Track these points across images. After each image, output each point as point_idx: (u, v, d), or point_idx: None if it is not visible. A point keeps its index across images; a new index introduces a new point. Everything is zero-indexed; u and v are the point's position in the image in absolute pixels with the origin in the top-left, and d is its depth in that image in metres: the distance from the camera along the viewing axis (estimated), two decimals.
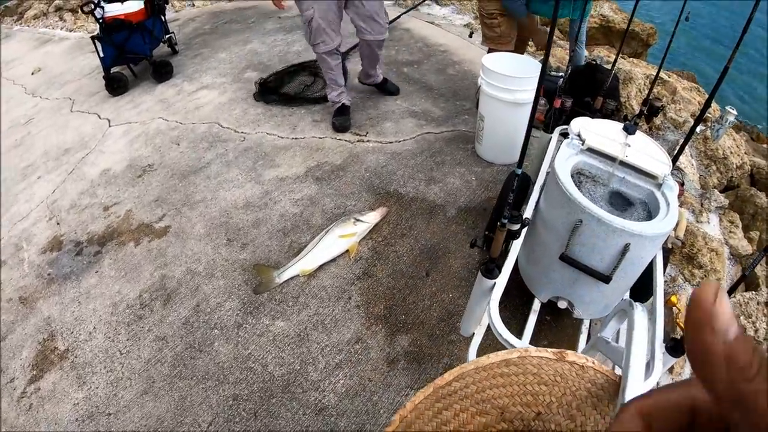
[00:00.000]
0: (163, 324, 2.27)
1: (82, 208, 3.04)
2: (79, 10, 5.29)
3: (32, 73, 5.12)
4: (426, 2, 5.67)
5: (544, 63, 1.48)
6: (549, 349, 0.91)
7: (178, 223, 2.77)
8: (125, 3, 4.01)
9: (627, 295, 1.83)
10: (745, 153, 3.72)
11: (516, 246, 1.71)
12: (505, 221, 1.48)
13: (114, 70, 4.20)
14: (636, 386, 0.83)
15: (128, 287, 2.48)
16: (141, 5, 4.11)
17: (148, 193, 3.02)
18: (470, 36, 4.67)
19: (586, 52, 3.48)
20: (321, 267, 2.39)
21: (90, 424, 1.97)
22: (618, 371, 0.94)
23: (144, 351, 2.18)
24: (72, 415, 2.01)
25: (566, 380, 0.89)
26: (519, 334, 1.57)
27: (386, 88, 3.76)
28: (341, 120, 3.38)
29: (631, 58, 4.88)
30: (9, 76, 5.32)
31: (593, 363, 0.90)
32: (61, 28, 6.34)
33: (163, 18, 4.47)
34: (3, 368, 2.29)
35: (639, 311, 1.02)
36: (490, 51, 3.28)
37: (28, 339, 2.37)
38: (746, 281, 2.72)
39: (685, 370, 2.19)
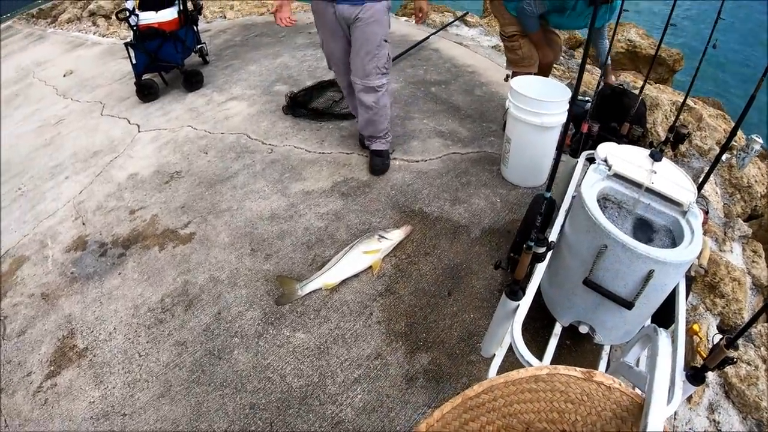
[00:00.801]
0: (183, 329, 2.28)
1: (108, 210, 3.08)
2: (114, 17, 5.43)
3: (64, 75, 5.24)
4: (455, 23, 5.74)
5: (576, 88, 1.49)
6: (577, 368, 0.90)
7: (203, 230, 2.80)
8: (159, 12, 4.10)
9: (648, 322, 1.82)
10: None
11: (540, 269, 1.71)
12: (532, 244, 1.48)
13: (145, 77, 4.29)
14: (659, 411, 0.83)
15: (150, 291, 2.49)
16: (175, 15, 4.20)
17: (175, 200, 3.06)
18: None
19: (613, 77, 3.49)
20: (344, 282, 2.39)
21: (104, 423, 1.97)
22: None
23: (163, 354, 2.19)
24: (87, 413, 2.02)
25: (592, 400, 0.89)
26: (539, 357, 1.55)
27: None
28: (377, 162, 3.14)
29: (657, 84, 4.87)
30: (41, 77, 5.45)
31: (620, 384, 0.89)
32: (94, 33, 6.50)
33: (195, 28, 4.57)
34: (20, 362, 2.30)
35: (663, 337, 1.02)
36: (514, 74, 3.31)
37: (47, 335, 2.40)
38: None
39: (704, 399, 2.15)
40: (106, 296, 2.52)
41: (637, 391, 1.08)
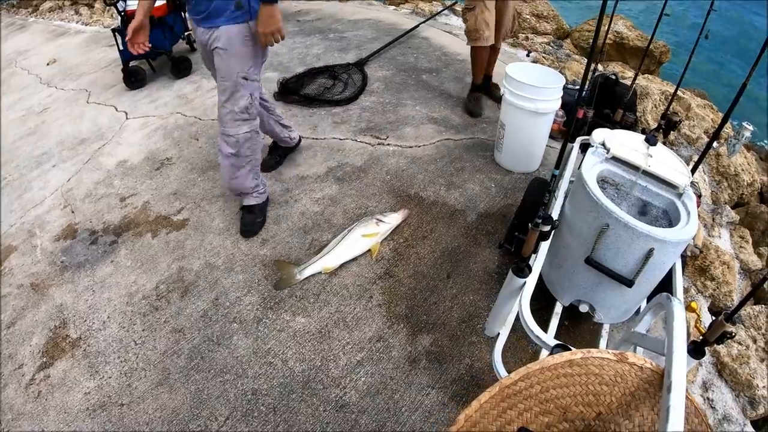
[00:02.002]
0: (180, 316, 2.24)
1: (97, 198, 3.02)
2: (102, 3, 5.31)
3: (47, 64, 5.12)
4: (444, 12, 5.72)
5: (585, 74, 1.49)
6: (610, 351, 0.91)
7: (197, 216, 2.75)
8: None
9: (645, 302, 1.85)
10: (756, 171, 3.75)
11: (545, 247, 1.73)
12: (539, 221, 1.49)
13: (133, 63, 4.21)
14: (682, 367, 0.84)
15: (145, 278, 2.45)
16: (163, 1, 4.12)
17: (167, 186, 3.00)
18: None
19: (600, 67, 3.51)
20: (342, 266, 2.37)
21: (101, 414, 1.93)
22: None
23: (160, 342, 2.15)
24: (83, 404, 1.98)
25: (626, 381, 0.89)
26: None
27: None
28: (246, 221, 2.63)
29: (645, 75, 4.92)
30: (24, 66, 5.32)
31: (651, 364, 0.90)
32: (77, 22, 6.37)
33: (183, 15, 4.49)
34: (11, 354, 2.25)
35: (677, 303, 1.05)
36: (474, 50, 3.41)
37: (38, 325, 2.34)
38: (756, 295, 2.75)
39: (698, 378, 2.19)
40: (98, 285, 2.47)
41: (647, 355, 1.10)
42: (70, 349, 2.20)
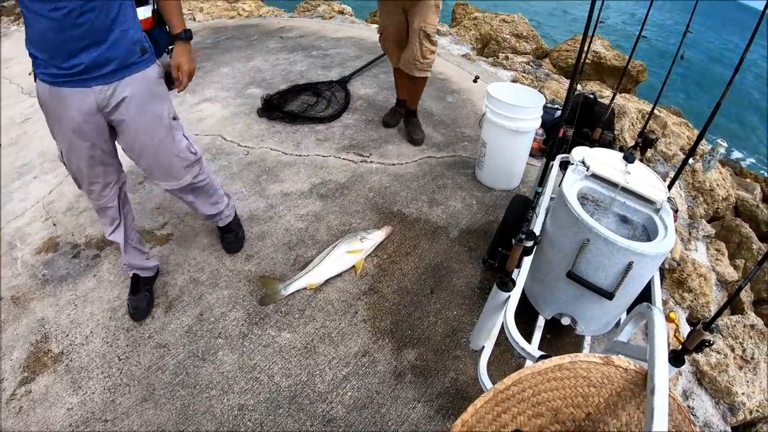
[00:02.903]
0: (164, 331, 2.24)
1: (79, 211, 3.00)
2: None
3: (29, 74, 5.05)
4: None
5: (568, 95, 1.56)
6: (597, 354, 0.97)
7: (181, 231, 2.76)
8: None
9: (625, 314, 1.92)
10: (731, 186, 3.90)
11: (528, 262, 1.79)
12: (523, 237, 1.55)
13: None
14: (664, 371, 0.90)
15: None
16: (148, 14, 4.11)
17: (150, 200, 3.00)
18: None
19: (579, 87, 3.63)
20: (327, 281, 2.40)
21: (85, 431, 1.91)
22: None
23: (144, 357, 2.14)
24: (65, 420, 1.95)
25: (612, 382, 0.95)
26: None
27: (225, 241, 2.61)
28: (134, 303, 2.31)
29: (622, 94, 5.09)
30: (5, 75, 5.24)
31: (635, 365, 0.96)
32: None
33: (167, 29, 4.49)
34: None
35: (657, 312, 1.11)
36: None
37: (19, 340, 2.30)
38: (732, 305, 2.85)
39: (678, 387, 2.26)
40: (80, 299, 2.45)
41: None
42: (52, 364, 2.18)
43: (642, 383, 0.89)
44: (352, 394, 1.93)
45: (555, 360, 0.89)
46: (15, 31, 6.48)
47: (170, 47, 4.61)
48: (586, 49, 2.68)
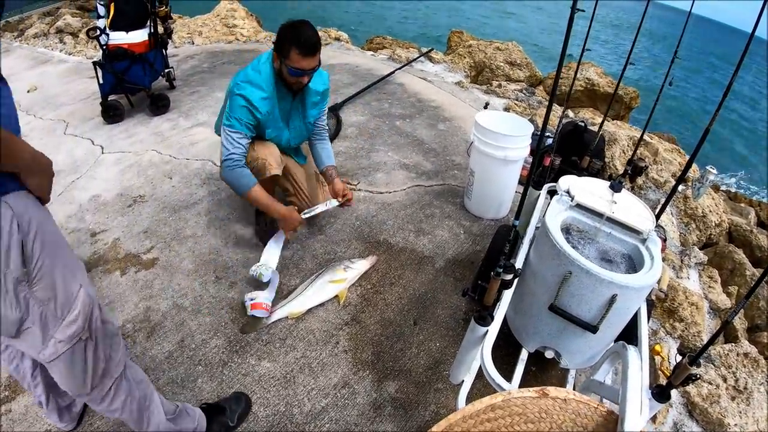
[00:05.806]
0: (145, 356, 2.22)
1: (68, 232, 3.00)
2: (85, 35, 5.33)
3: (28, 91, 5.10)
4: (419, 59, 5.91)
5: (544, 124, 1.59)
6: (531, 389, 0.95)
7: (167, 256, 2.76)
8: (130, 33, 4.07)
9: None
10: (723, 211, 3.92)
11: (507, 295, 1.78)
12: (500, 270, 1.54)
13: (111, 98, 4.23)
14: (635, 418, 0.88)
15: (111, 316, 2.43)
16: (145, 37, 4.18)
17: (138, 224, 3.01)
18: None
19: (571, 113, 3.66)
20: (309, 311, 2.40)
21: None
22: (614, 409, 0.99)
23: None
24: None
25: (551, 415, 0.94)
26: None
27: None
28: None
29: (615, 121, 5.14)
30: None
31: (574, 395, 0.95)
32: (61, 50, 6.38)
33: (164, 52, 4.56)
34: None
35: (632, 351, 1.09)
36: None
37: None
38: (726, 333, 2.82)
39: (668, 419, 2.24)
40: None
41: (606, 403, 1.15)
42: None
43: (586, 413, 0.89)
44: (330, 426, 1.92)
45: (486, 401, 0.88)
46: (17, 47, 6.56)
47: (167, 70, 4.69)
48: (573, 76, 2.76)
